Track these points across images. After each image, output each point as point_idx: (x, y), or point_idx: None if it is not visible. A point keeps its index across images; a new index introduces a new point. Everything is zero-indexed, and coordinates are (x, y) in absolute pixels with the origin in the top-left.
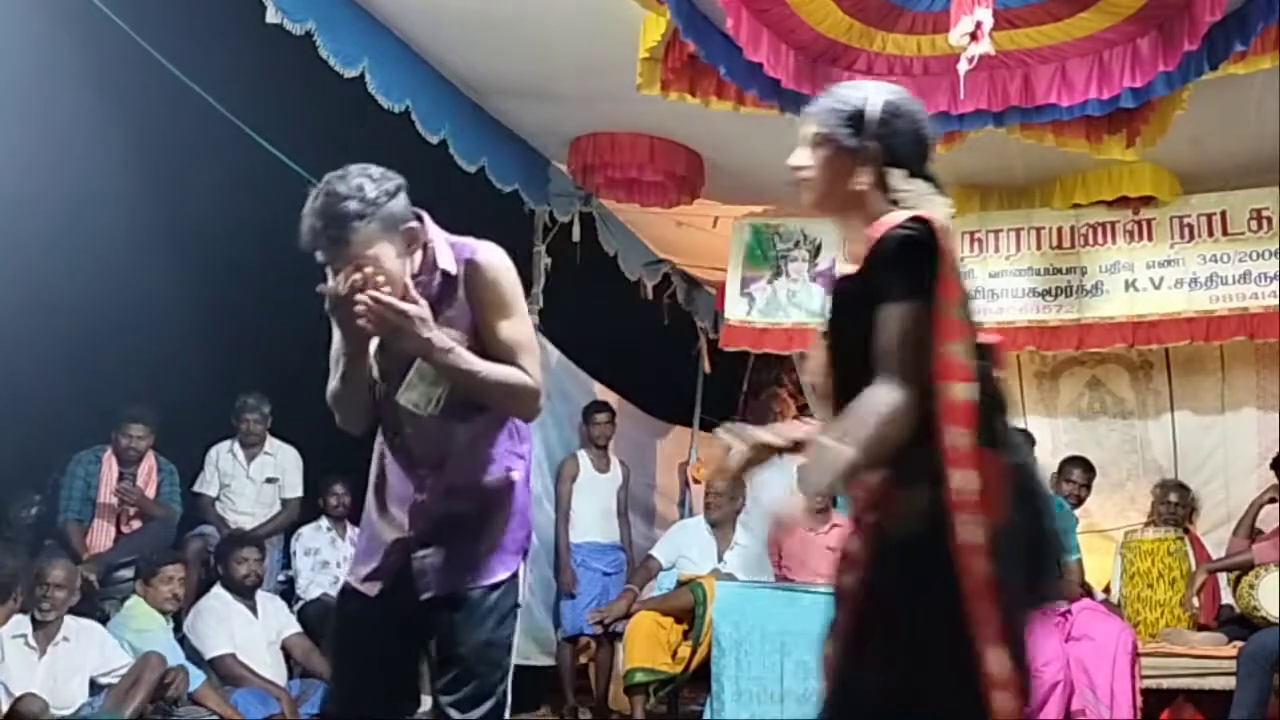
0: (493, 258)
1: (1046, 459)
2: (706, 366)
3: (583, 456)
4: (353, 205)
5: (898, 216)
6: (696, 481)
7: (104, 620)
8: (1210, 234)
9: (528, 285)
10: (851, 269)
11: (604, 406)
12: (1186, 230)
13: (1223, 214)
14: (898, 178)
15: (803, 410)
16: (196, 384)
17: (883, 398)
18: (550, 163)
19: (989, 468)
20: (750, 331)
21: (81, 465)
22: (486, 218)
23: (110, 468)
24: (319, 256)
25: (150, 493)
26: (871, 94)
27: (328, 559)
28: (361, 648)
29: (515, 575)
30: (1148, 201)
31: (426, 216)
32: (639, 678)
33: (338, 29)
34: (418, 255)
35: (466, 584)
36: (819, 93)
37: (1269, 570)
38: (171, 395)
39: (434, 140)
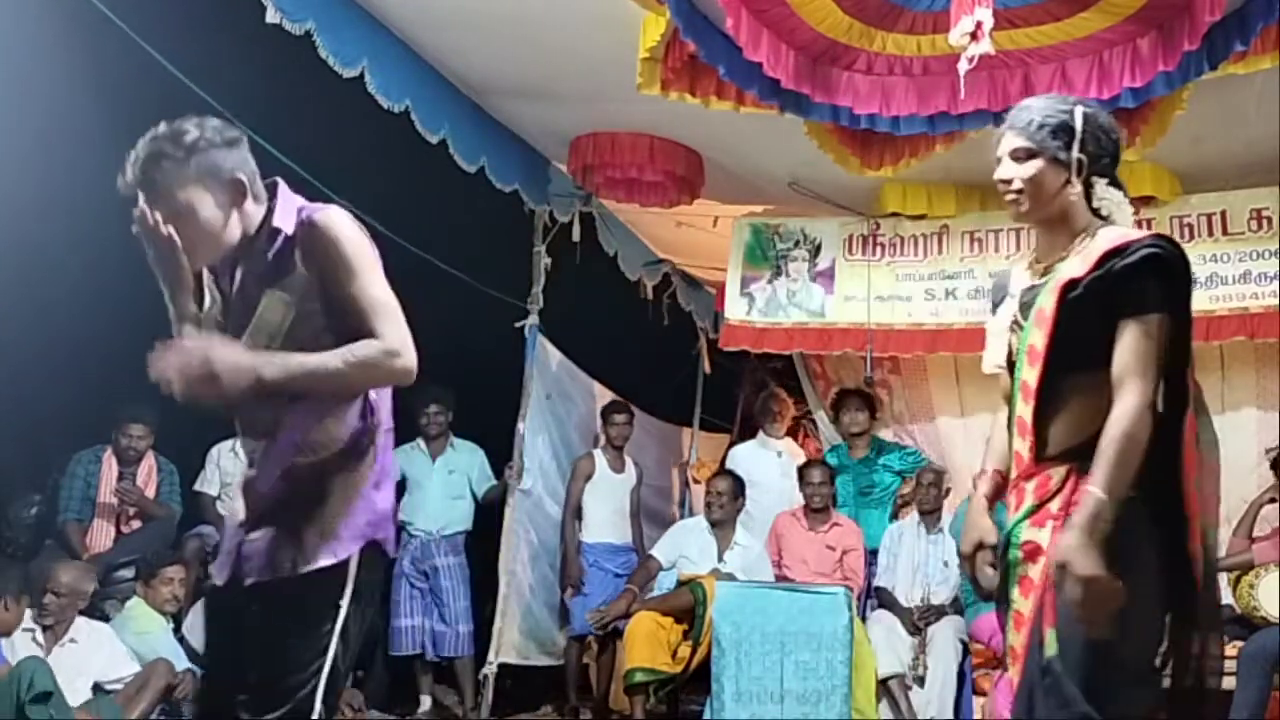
0: (332, 217)
1: None
2: (706, 366)
3: (598, 456)
4: (167, 147)
5: (1133, 231)
6: (696, 481)
7: (104, 620)
8: (1210, 234)
9: (528, 285)
10: (1075, 272)
11: (624, 407)
12: (1186, 230)
13: (1223, 214)
14: (1101, 187)
15: (804, 414)
16: None
17: (1128, 414)
18: (550, 163)
19: (1206, 473)
20: (750, 331)
21: (81, 465)
22: (486, 218)
23: (110, 468)
24: (141, 202)
25: (150, 492)
26: (1075, 106)
27: None
28: (211, 642)
29: (345, 563)
30: (1148, 201)
31: (281, 184)
32: (639, 678)
33: (337, 29)
34: (257, 216)
35: (285, 570)
36: (818, 93)
37: (1269, 570)
38: (171, 395)
39: (434, 140)
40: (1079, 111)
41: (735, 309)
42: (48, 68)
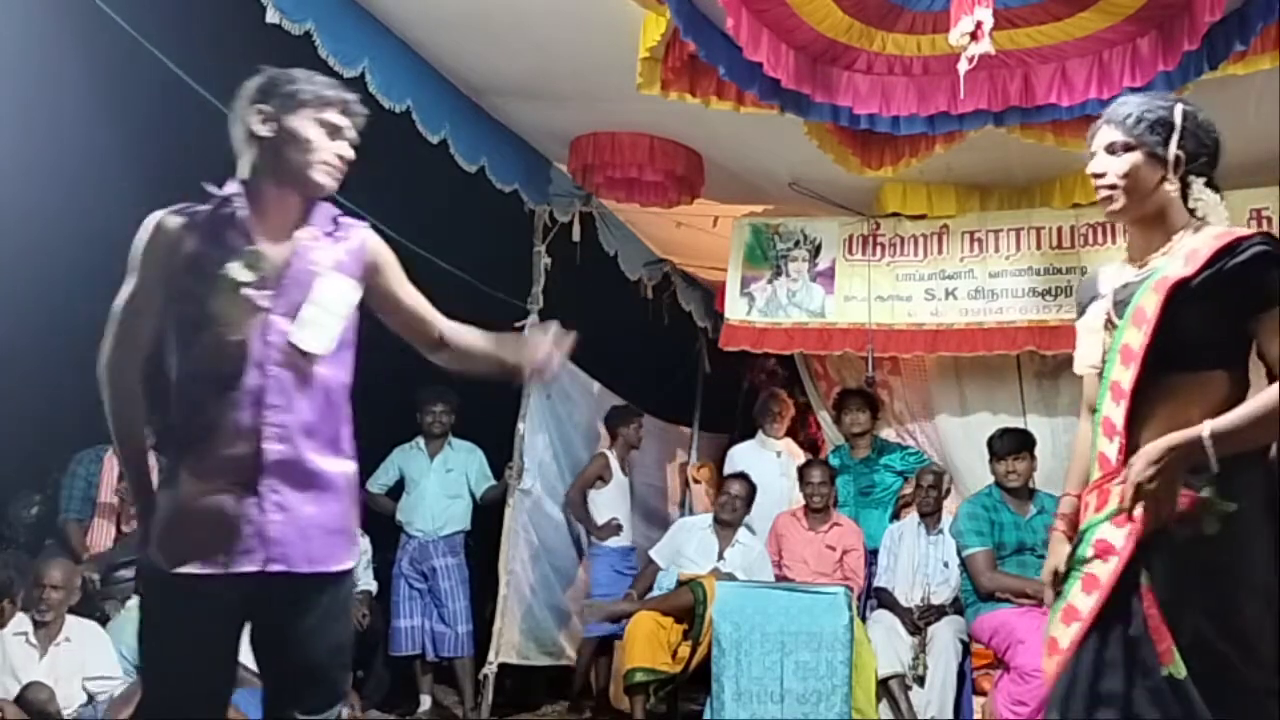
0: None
1: (1046, 459)
2: (706, 366)
3: (612, 458)
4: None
5: (1235, 228)
6: (696, 481)
7: (104, 620)
8: None
9: (528, 285)
10: (1182, 271)
11: (640, 412)
12: None
13: None
14: (1198, 187)
15: (804, 410)
16: None
17: None
18: (550, 163)
19: None
20: (750, 331)
21: (82, 465)
22: (486, 218)
23: (111, 467)
24: (337, 120)
25: None
26: (1175, 103)
27: None
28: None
29: None
30: None
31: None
32: (639, 678)
33: (338, 29)
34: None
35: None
36: (818, 93)
37: None
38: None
39: (434, 140)
40: (1179, 108)
41: (735, 309)
42: (48, 67)
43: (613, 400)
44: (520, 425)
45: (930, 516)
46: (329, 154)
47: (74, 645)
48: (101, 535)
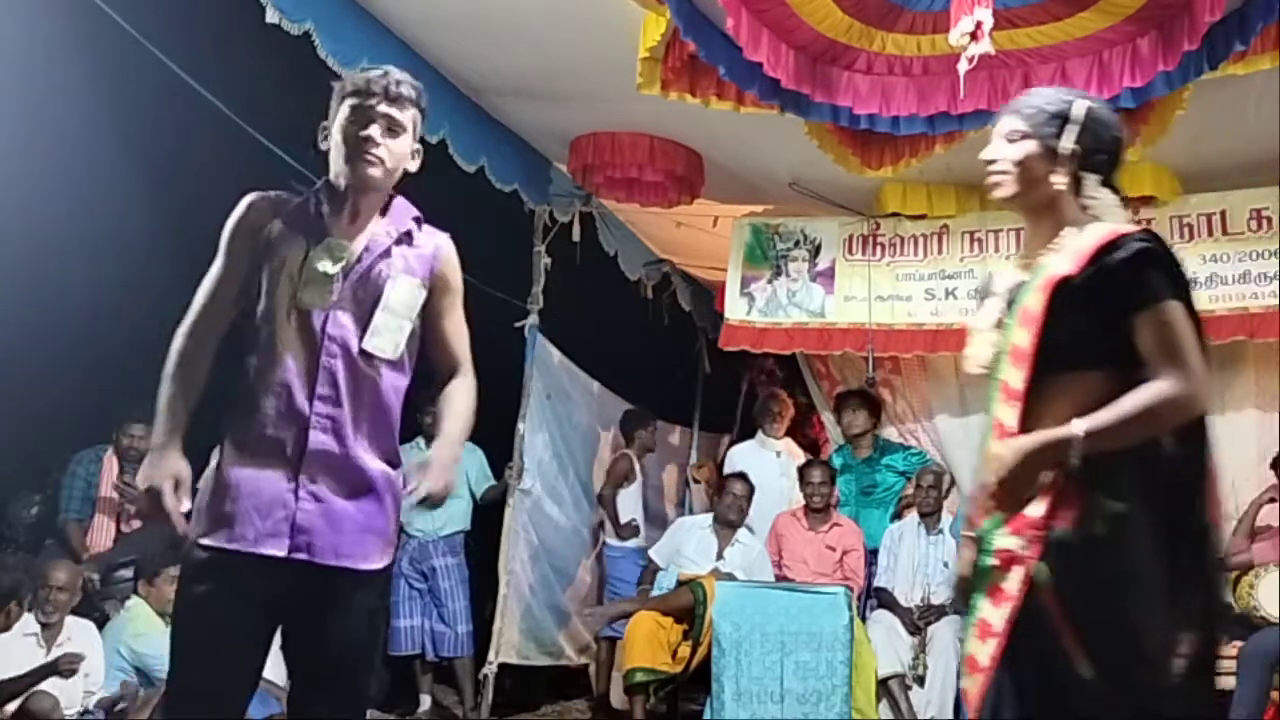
0: (451, 245)
1: None
2: (706, 366)
3: (634, 459)
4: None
5: (1120, 225)
6: (696, 481)
7: (103, 621)
8: (1210, 234)
9: (528, 285)
10: (1065, 269)
11: (654, 416)
12: (1186, 230)
13: (1222, 214)
14: (1092, 184)
15: (805, 408)
16: None
17: (1157, 392)
18: (550, 163)
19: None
20: (750, 331)
21: (83, 465)
22: (486, 218)
23: (111, 468)
24: (355, 102)
25: None
26: (1077, 99)
27: None
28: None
29: None
30: (1147, 201)
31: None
32: (639, 678)
33: (337, 29)
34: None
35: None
36: (818, 93)
37: (1269, 570)
38: None
39: (434, 140)
40: (1081, 103)
41: (735, 309)
42: (48, 66)
43: (613, 400)
44: (520, 425)
45: (930, 516)
46: (354, 141)
47: (75, 646)
48: (101, 535)
